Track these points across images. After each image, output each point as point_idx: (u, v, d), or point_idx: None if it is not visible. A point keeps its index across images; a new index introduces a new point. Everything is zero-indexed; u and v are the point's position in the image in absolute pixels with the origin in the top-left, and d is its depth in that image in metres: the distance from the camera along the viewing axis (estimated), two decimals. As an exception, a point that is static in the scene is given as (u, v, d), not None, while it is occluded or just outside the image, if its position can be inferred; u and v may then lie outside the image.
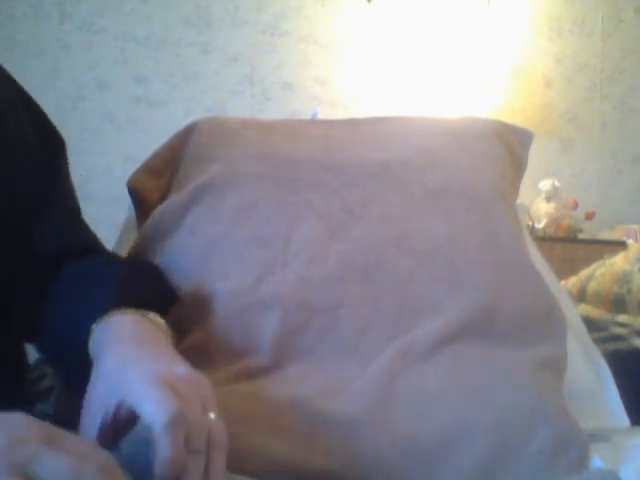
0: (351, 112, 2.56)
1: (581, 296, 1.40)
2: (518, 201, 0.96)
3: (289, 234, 0.80)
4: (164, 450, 0.46)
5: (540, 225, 2.45)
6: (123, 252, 0.88)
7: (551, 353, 0.74)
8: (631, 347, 1.14)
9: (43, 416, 0.45)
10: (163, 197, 0.90)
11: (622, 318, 1.27)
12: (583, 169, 2.73)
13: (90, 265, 0.72)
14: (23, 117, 0.74)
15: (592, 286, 1.38)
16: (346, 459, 0.62)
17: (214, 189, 0.85)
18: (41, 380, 0.89)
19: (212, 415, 0.50)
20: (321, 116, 1.96)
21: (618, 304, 1.32)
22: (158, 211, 0.86)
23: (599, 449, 0.70)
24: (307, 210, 0.83)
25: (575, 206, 2.53)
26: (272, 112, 2.63)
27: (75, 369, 0.61)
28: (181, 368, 0.54)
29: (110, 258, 0.77)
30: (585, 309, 1.36)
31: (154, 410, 0.47)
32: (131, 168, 0.95)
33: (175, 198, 0.87)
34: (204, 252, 0.80)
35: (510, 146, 0.97)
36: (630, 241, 2.29)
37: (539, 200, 2.49)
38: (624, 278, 1.33)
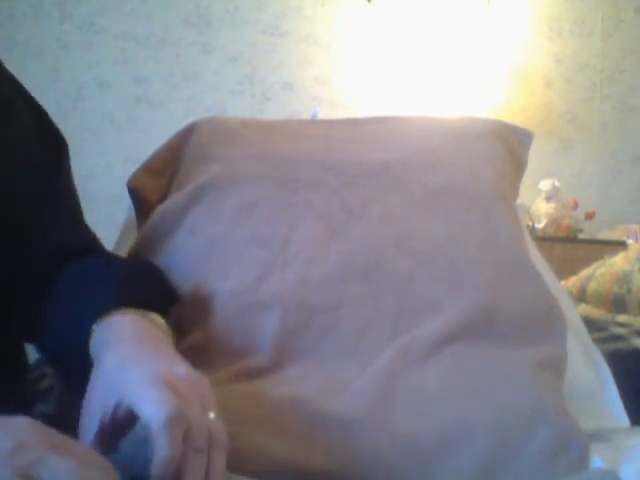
0: (351, 112, 2.56)
1: (581, 296, 1.40)
2: (518, 201, 0.96)
3: (289, 234, 0.80)
4: (161, 448, 0.46)
5: (540, 225, 2.45)
6: (123, 252, 0.88)
7: (551, 353, 0.74)
8: (631, 347, 1.14)
9: (43, 416, 0.45)
10: (163, 197, 0.90)
11: (622, 318, 1.27)
12: (583, 169, 2.73)
13: (90, 265, 0.72)
14: (23, 115, 0.74)
15: (592, 286, 1.38)
16: (346, 459, 0.62)
17: (214, 189, 0.85)
18: (41, 380, 0.89)
19: (212, 415, 0.51)
20: (321, 116, 1.96)
21: (618, 304, 1.32)
22: (158, 211, 0.86)
23: (599, 449, 0.70)
24: (307, 210, 0.83)
25: (575, 206, 2.53)
26: (272, 112, 2.63)
27: (76, 369, 0.61)
28: (181, 368, 0.54)
29: (110, 258, 0.77)
30: (585, 309, 1.36)
31: (152, 409, 0.47)
32: (131, 168, 0.95)
33: (175, 198, 0.87)
34: (204, 252, 0.80)
35: (510, 146, 0.97)
36: (630, 241, 2.29)
37: (539, 200, 2.49)
38: (624, 278, 1.33)
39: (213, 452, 0.48)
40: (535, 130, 1.06)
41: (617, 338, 1.16)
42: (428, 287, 0.77)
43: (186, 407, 0.48)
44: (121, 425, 0.51)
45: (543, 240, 2.29)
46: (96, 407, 0.52)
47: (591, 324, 1.08)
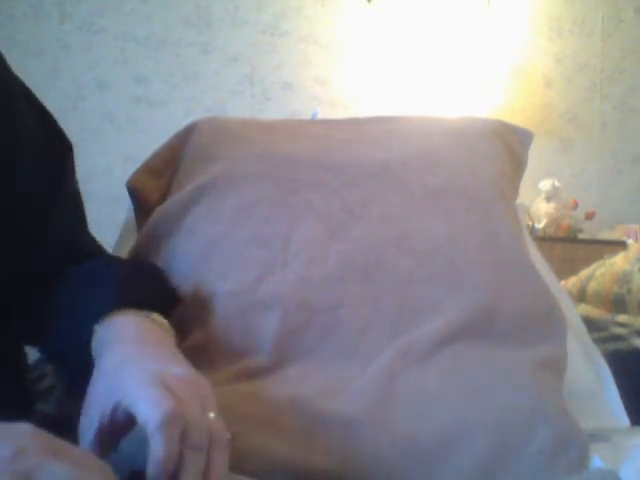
0: (351, 112, 2.56)
1: (581, 296, 1.40)
2: (518, 201, 0.96)
3: (289, 234, 0.80)
4: (157, 449, 0.46)
5: (540, 225, 2.45)
6: (123, 252, 0.88)
7: (551, 353, 0.74)
8: (631, 347, 1.13)
9: (43, 416, 0.45)
10: (163, 197, 0.90)
11: (622, 318, 1.27)
12: (583, 169, 2.73)
13: (92, 266, 0.72)
14: (25, 115, 0.74)
15: (592, 286, 1.38)
16: (346, 459, 0.62)
17: (214, 189, 0.85)
18: (41, 380, 0.89)
19: (212, 415, 0.51)
20: (321, 116, 1.96)
21: (618, 304, 1.32)
22: (158, 211, 0.86)
23: (599, 449, 0.70)
24: (307, 210, 0.83)
25: (575, 206, 2.53)
26: (272, 112, 2.63)
27: (78, 370, 0.61)
28: (180, 368, 0.54)
29: (112, 260, 0.77)
30: (585, 309, 1.36)
31: (148, 410, 0.47)
32: (131, 168, 0.95)
33: (175, 198, 0.87)
34: (204, 252, 0.80)
35: (510, 146, 0.97)
36: (630, 241, 2.29)
37: (539, 200, 2.49)
38: (624, 278, 1.33)
39: (213, 452, 0.48)
40: (535, 130, 1.06)
41: (617, 338, 1.16)
42: (428, 287, 0.77)
43: (183, 407, 0.48)
44: (120, 426, 0.51)
45: (543, 240, 2.29)
46: (95, 408, 0.52)
47: (591, 324, 1.08)
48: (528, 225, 2.30)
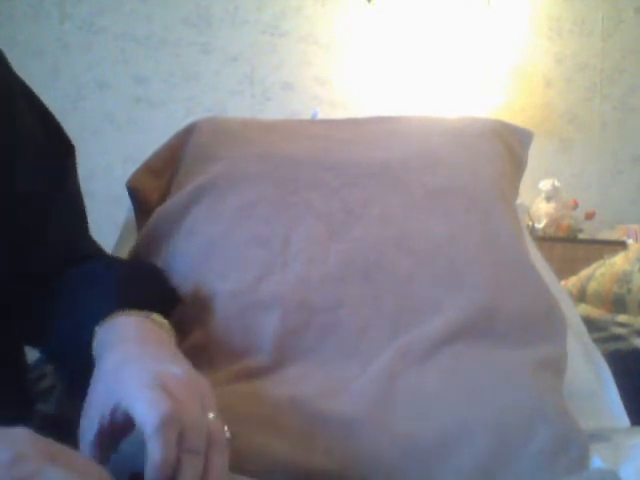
0: (351, 112, 2.56)
1: (581, 296, 1.40)
2: (518, 201, 0.96)
3: (289, 234, 0.80)
4: (153, 453, 0.46)
5: (540, 225, 2.45)
6: (123, 252, 0.88)
7: (551, 353, 0.74)
8: (631, 347, 1.13)
9: (44, 416, 0.45)
10: (163, 197, 0.90)
11: (622, 318, 1.27)
12: (583, 169, 2.73)
13: (92, 267, 0.72)
14: (25, 114, 0.74)
15: (592, 286, 1.38)
16: (346, 459, 0.62)
17: (214, 189, 0.85)
18: (41, 380, 0.89)
19: (211, 415, 0.50)
20: (321, 116, 1.96)
21: (618, 304, 1.32)
22: (158, 211, 0.86)
23: (599, 449, 0.70)
24: (307, 210, 0.83)
25: (575, 206, 2.53)
26: (272, 112, 2.63)
27: (79, 371, 0.61)
28: (180, 368, 0.54)
29: (112, 260, 0.77)
30: (585, 309, 1.36)
31: (145, 412, 0.47)
32: (131, 168, 0.95)
33: (175, 198, 0.87)
34: (204, 252, 0.80)
35: (510, 146, 0.97)
36: (630, 241, 2.29)
37: (539, 200, 2.49)
38: (624, 278, 1.33)
39: (212, 453, 0.48)
40: (535, 130, 1.06)
41: (617, 338, 1.16)
42: (428, 287, 0.77)
43: (181, 408, 0.48)
44: (120, 427, 0.51)
45: (543, 240, 2.29)
46: (96, 409, 0.52)
47: (591, 324, 1.08)
48: (528, 225, 2.30)
